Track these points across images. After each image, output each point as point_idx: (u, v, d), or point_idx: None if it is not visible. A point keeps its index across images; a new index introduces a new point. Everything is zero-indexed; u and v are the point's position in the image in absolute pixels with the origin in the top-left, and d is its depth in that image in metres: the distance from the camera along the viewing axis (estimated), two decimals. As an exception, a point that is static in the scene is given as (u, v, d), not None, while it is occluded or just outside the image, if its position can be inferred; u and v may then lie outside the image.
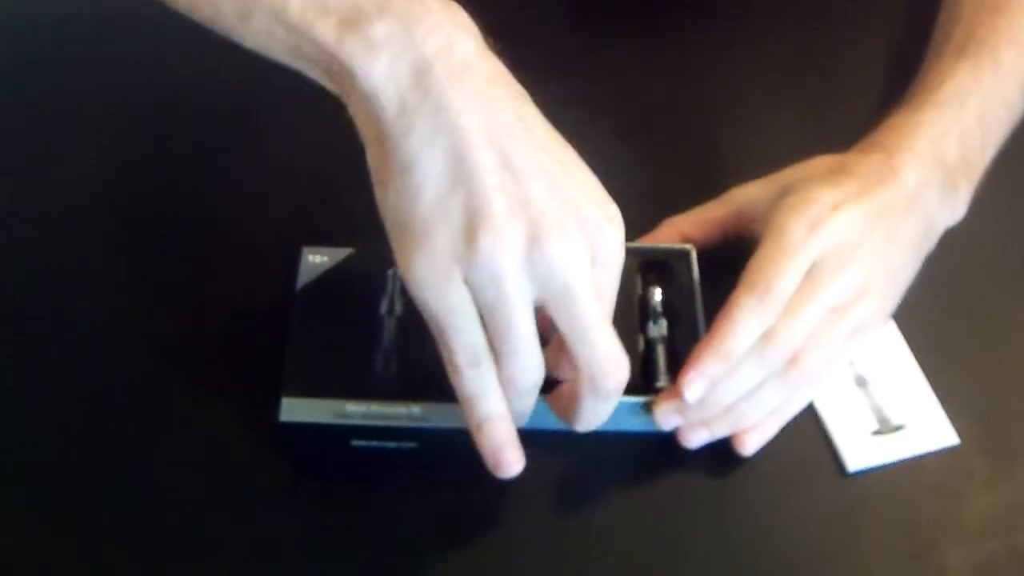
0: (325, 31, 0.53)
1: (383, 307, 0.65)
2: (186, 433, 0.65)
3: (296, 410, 0.62)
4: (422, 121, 0.53)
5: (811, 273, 0.63)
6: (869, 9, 0.84)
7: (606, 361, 0.56)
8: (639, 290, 0.67)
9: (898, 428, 0.66)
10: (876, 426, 0.66)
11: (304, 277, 0.66)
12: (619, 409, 0.59)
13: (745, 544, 0.62)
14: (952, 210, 0.68)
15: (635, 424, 0.64)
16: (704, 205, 0.71)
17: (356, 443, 0.63)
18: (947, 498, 0.64)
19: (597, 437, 0.61)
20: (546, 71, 0.80)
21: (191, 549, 0.61)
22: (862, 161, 0.67)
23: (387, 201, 0.54)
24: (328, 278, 0.66)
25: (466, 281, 0.53)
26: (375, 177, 0.55)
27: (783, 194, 0.65)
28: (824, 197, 0.64)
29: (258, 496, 0.63)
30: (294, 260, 0.66)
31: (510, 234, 0.52)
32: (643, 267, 0.68)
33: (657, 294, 0.67)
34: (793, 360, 0.62)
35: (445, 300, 0.53)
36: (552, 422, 0.61)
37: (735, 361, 0.62)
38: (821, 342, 0.63)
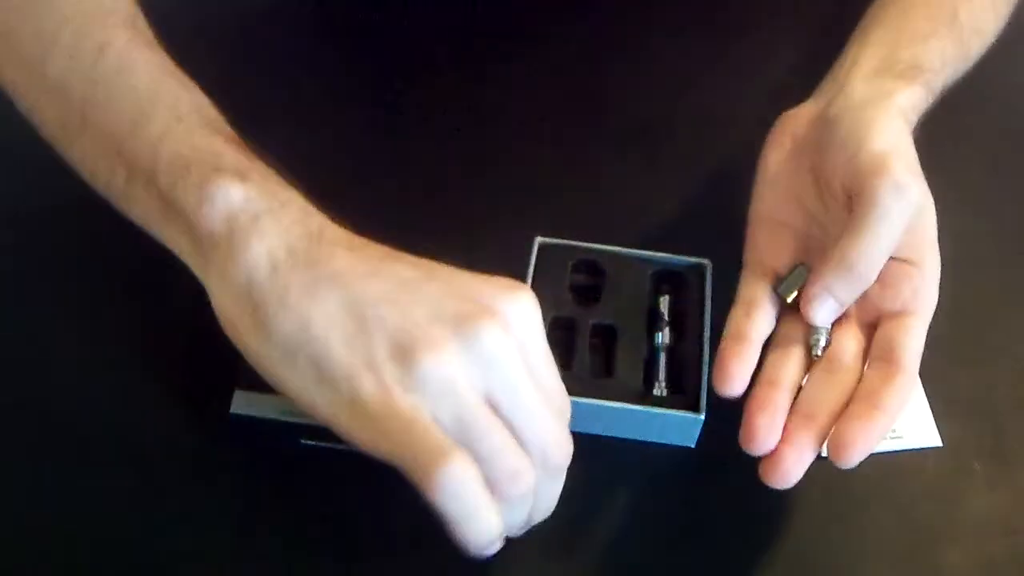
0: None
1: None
2: (137, 417, 0.64)
3: (247, 403, 0.62)
4: (297, 276, 0.52)
5: None
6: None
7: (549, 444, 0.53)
8: (649, 299, 0.67)
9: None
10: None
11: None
12: (616, 415, 0.62)
13: (727, 531, 0.61)
14: None
15: (629, 431, 0.64)
16: None
17: (306, 442, 0.62)
18: (946, 500, 0.63)
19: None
20: (546, 74, 0.81)
21: (136, 535, 0.60)
22: None
23: (290, 372, 0.51)
24: None
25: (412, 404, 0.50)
26: (257, 357, 0.52)
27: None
28: None
29: (204, 487, 0.62)
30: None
31: (443, 340, 0.50)
32: (657, 276, 0.68)
33: (665, 303, 0.67)
34: None
35: (408, 437, 0.50)
36: None
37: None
38: None
